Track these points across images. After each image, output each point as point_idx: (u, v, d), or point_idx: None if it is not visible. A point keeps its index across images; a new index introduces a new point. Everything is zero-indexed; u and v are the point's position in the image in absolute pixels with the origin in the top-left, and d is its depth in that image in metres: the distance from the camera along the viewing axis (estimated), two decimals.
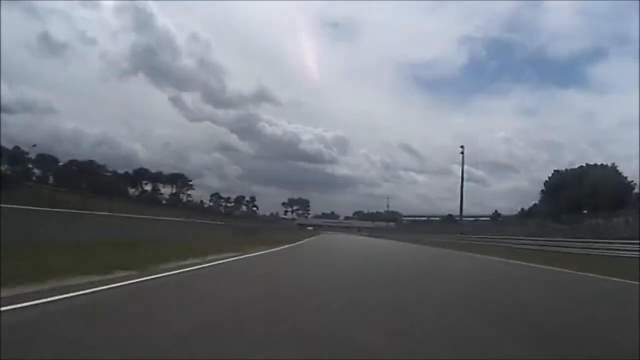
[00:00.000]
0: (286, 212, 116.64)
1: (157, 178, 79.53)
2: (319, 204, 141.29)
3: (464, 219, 40.35)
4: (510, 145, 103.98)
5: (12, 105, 66.85)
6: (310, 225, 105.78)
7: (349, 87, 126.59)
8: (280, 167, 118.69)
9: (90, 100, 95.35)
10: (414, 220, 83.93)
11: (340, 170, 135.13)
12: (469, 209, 61.99)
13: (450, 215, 62.15)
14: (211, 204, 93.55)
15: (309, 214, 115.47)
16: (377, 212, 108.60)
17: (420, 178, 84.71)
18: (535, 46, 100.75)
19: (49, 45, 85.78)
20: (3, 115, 61.83)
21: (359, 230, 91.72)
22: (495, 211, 67.50)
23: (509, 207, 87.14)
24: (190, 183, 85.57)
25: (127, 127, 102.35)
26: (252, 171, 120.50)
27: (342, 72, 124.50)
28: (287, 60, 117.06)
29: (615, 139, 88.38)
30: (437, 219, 73.45)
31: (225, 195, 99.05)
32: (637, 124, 74.34)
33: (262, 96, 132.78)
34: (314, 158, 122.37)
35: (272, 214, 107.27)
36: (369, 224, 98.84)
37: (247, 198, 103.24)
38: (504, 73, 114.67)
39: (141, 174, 78.85)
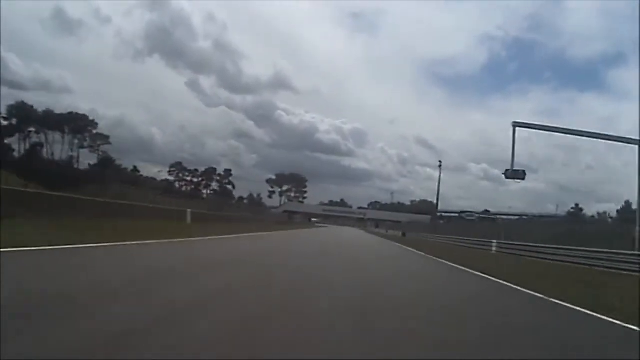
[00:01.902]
0: (271, 194, 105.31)
1: None
2: (330, 193, 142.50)
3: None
4: (529, 146, 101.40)
5: (26, 82, 70.38)
6: (314, 216, 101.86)
7: (368, 79, 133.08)
8: (297, 157, 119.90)
9: (106, 81, 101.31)
10: (450, 217, 79.27)
11: (357, 164, 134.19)
12: (478, 207, 67.67)
13: (487, 211, 62.92)
14: (171, 178, 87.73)
15: (305, 197, 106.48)
16: (400, 203, 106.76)
17: (437, 174, 73.74)
18: (555, 47, 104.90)
19: (63, 22, 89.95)
20: (17, 92, 66.49)
21: (377, 225, 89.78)
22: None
23: (523, 207, 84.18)
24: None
25: (144, 110, 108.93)
26: (268, 160, 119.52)
27: (361, 63, 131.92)
28: (306, 48, 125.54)
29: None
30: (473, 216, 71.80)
31: (191, 168, 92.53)
32: None
33: (279, 83, 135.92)
34: (331, 149, 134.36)
35: (254, 196, 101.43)
36: (387, 215, 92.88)
37: (221, 171, 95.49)
38: (523, 73, 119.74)
39: None
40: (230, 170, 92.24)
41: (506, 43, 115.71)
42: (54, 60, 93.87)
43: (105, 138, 64.02)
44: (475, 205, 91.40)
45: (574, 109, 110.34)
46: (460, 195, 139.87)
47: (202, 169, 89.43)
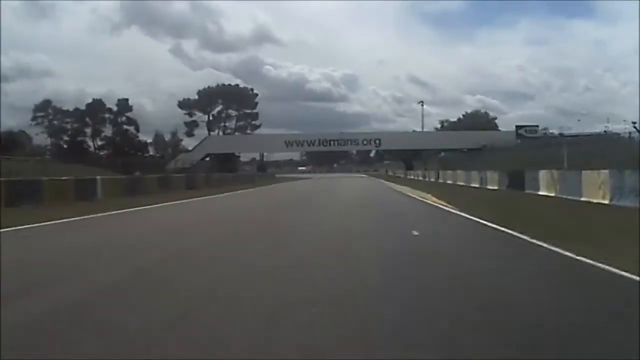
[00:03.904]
0: (191, 128, 69.57)
1: None
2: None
3: None
4: (524, 73, 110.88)
5: (9, 73, 67.94)
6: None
7: (352, 23, 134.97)
8: (290, 108, 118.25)
9: (88, 59, 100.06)
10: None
11: (352, 108, 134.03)
12: None
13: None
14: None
15: (257, 124, 70.69)
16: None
17: (433, 110, 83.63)
18: None
19: (36, 7, 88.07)
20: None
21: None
22: None
23: None
24: None
25: (132, 83, 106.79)
26: (260, 114, 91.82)
27: (343, 8, 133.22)
28: None
29: (629, 65, 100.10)
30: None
31: None
32: None
33: (262, 37, 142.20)
34: (324, 97, 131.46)
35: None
36: None
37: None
38: (510, 4, 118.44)
39: None
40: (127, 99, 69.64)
41: None
42: (31, 46, 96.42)
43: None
44: None
45: (564, 35, 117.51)
46: None
47: None
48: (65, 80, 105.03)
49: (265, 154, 65.56)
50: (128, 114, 65.48)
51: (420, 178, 42.41)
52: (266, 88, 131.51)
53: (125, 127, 65.45)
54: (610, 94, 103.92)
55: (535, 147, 37.56)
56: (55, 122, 63.83)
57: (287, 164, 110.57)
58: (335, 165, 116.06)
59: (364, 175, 66.25)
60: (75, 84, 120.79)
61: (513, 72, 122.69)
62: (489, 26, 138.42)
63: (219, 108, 69.73)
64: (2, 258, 5.41)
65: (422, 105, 65.24)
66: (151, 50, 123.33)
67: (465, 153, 52.95)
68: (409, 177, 50.32)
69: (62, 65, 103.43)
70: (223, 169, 50.93)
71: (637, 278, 4.21)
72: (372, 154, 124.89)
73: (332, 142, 57.66)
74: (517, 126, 56.58)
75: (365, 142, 57.79)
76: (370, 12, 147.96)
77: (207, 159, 59.71)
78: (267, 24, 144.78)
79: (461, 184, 28.72)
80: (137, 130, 65.99)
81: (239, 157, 65.49)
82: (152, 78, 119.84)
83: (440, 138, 60.25)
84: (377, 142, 57.81)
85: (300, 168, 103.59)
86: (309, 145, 56.72)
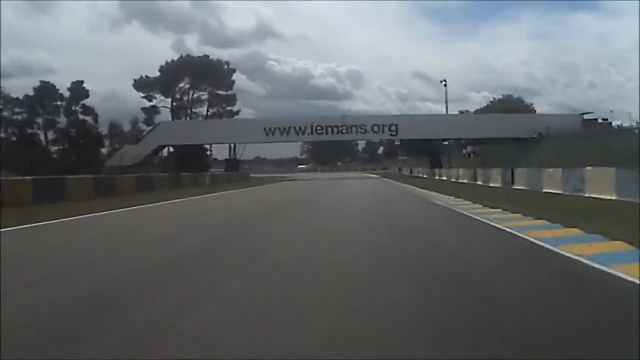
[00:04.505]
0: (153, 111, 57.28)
1: None
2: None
3: None
4: (529, 68, 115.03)
5: (10, 70, 64.74)
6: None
7: (355, 18, 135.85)
8: (294, 107, 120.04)
9: (90, 56, 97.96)
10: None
11: (356, 106, 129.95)
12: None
13: None
14: None
15: (236, 110, 57.83)
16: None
17: (438, 107, 78.04)
18: None
19: (36, 3, 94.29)
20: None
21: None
22: None
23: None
24: None
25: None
26: (265, 113, 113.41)
27: (346, 3, 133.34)
28: None
29: (633, 59, 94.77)
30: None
31: None
32: None
33: (265, 32, 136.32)
34: (328, 94, 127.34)
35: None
36: None
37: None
38: None
39: None
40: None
41: None
42: (32, 43, 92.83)
43: None
44: None
45: (567, 30, 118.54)
46: None
47: None
48: (66, 77, 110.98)
49: (243, 147, 49.64)
50: (84, 102, 53.70)
51: (465, 181, 27.75)
52: (270, 84, 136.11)
53: (81, 117, 54.04)
54: (615, 89, 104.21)
55: (602, 138, 28.03)
56: (5, 112, 52.89)
57: (287, 162, 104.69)
58: (339, 163, 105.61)
59: (373, 175, 52.41)
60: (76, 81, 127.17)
61: (517, 68, 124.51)
62: (492, 21, 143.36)
63: (182, 85, 54.52)
64: None
65: (445, 84, 45.21)
66: (153, 45, 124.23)
67: (512, 144, 39.40)
68: (438, 177, 36.58)
69: (63, 62, 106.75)
70: (184, 168, 38.97)
71: None
72: (380, 151, 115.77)
73: (329, 130, 42.26)
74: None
75: (376, 130, 42.27)
76: (374, 7, 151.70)
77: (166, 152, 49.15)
78: (269, 18, 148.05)
79: (523, 188, 18.50)
80: (96, 120, 54.47)
81: (209, 151, 52.31)
82: (155, 74, 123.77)
83: (480, 123, 43.26)
84: (393, 129, 42.28)
85: (300, 167, 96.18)
86: (297, 133, 41.48)
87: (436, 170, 40.81)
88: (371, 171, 75.23)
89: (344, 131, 42.44)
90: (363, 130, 42.79)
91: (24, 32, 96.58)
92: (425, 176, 42.05)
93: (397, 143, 47.87)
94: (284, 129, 41.86)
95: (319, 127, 41.74)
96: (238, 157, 51.38)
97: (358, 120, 44.25)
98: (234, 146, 47.80)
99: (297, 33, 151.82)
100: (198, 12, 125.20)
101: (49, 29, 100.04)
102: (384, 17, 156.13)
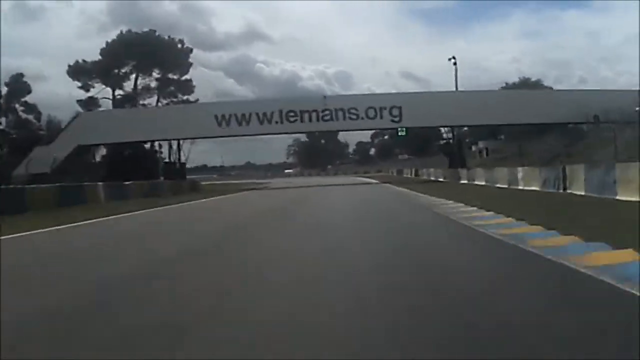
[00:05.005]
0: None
1: None
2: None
3: None
4: (520, 65, 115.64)
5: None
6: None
7: (343, 19, 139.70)
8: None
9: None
10: None
11: None
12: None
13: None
14: None
15: (192, 95, 45.51)
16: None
17: None
18: None
19: (25, 10, 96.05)
20: None
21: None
22: None
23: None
24: None
25: None
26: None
27: (334, 5, 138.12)
28: None
29: (623, 55, 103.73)
30: None
31: None
32: None
33: (253, 34, 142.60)
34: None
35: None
36: None
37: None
38: None
39: None
40: None
41: None
42: (21, 50, 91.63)
43: None
44: None
45: (558, 28, 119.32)
46: None
47: None
48: (56, 84, 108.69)
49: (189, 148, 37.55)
50: (26, 99, 46.15)
51: (501, 185, 17.45)
52: (258, 87, 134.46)
53: (23, 115, 47.05)
54: (605, 84, 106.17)
55: None
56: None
57: (274, 167, 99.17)
58: (329, 166, 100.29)
59: (369, 180, 39.87)
60: (68, 88, 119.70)
61: (508, 65, 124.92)
62: (483, 19, 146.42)
63: (126, 69, 42.23)
64: None
65: (455, 62, 33.94)
66: None
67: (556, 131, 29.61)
68: (467, 180, 24.46)
69: (54, 70, 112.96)
70: (124, 176, 26.99)
71: None
72: (372, 152, 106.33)
73: (306, 116, 30.35)
74: None
75: (372, 115, 30.14)
76: (362, 9, 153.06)
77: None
78: (258, 21, 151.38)
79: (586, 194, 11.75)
80: (38, 120, 47.20)
81: (158, 153, 38.34)
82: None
83: (512, 102, 30.07)
84: (396, 113, 30.06)
85: (286, 171, 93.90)
86: (261, 122, 29.45)
87: (458, 170, 29.01)
88: (364, 174, 65.36)
89: (326, 117, 30.44)
90: (354, 116, 30.56)
91: (13, 38, 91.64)
92: (442, 179, 30.00)
93: (401, 134, 33.25)
94: (242, 116, 29.73)
95: (291, 113, 29.82)
96: (183, 159, 38.26)
97: (346, 102, 31.49)
98: (178, 144, 35.32)
99: (286, 35, 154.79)
100: (186, 16, 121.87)
101: (39, 35, 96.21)
102: (373, 18, 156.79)
